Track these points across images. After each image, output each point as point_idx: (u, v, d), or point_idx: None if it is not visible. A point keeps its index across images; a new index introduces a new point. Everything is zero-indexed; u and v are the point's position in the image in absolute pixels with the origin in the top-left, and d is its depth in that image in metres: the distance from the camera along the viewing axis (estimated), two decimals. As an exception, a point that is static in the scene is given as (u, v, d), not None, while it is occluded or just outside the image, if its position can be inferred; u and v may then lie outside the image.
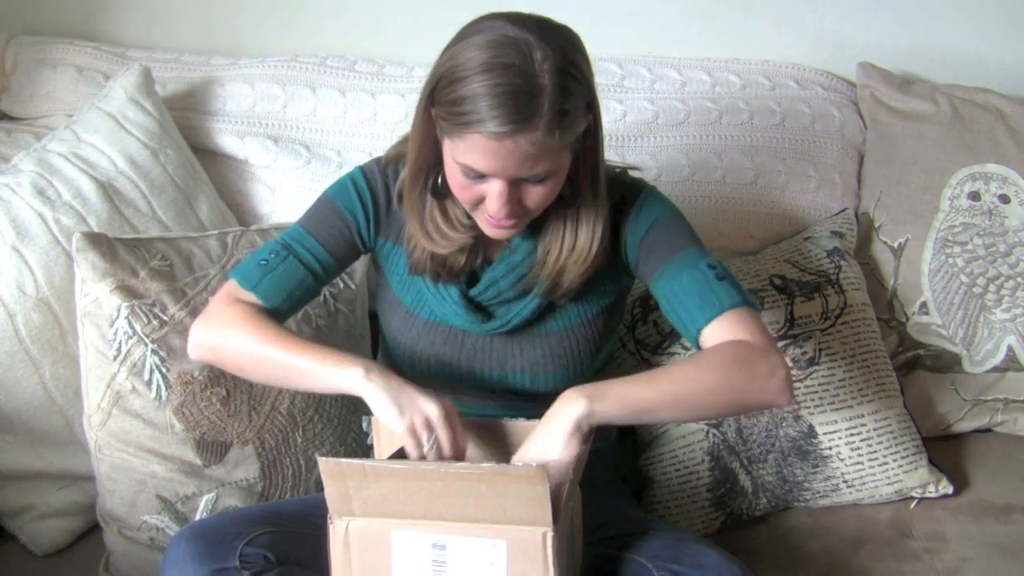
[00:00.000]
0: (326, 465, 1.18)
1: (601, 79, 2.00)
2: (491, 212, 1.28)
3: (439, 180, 1.34)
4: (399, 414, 1.26)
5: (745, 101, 2.02)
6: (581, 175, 1.34)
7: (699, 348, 1.36)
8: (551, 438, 1.25)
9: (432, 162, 1.33)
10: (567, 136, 1.24)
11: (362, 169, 1.46)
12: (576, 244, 1.37)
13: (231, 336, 1.37)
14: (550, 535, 1.17)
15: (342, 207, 1.44)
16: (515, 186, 1.26)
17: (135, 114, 1.84)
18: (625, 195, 1.43)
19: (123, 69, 1.92)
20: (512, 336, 1.45)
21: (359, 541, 1.21)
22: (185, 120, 1.95)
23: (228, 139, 1.96)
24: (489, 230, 1.33)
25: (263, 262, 1.41)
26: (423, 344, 1.46)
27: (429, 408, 1.27)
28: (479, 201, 1.29)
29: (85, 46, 2.05)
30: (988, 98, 2.03)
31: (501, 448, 1.36)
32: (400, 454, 1.30)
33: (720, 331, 1.33)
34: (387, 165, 1.44)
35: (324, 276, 1.45)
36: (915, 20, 2.11)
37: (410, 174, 1.36)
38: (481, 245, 1.41)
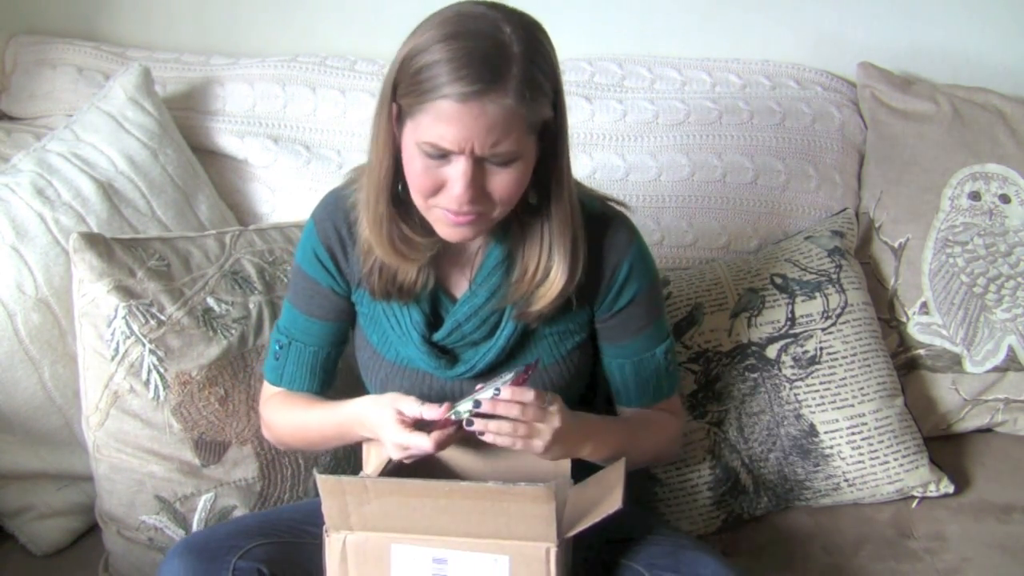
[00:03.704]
0: (325, 482, 1.17)
1: (601, 79, 2.03)
2: (454, 195, 1.20)
3: (400, 187, 1.28)
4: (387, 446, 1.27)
5: (745, 101, 2.02)
6: (548, 179, 1.27)
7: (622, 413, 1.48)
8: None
9: (394, 167, 1.27)
10: (537, 108, 1.19)
11: (315, 220, 1.40)
12: (552, 264, 1.30)
13: (277, 422, 1.48)
14: (554, 550, 1.17)
15: (313, 276, 1.41)
16: (479, 167, 1.19)
17: (135, 114, 1.84)
18: (610, 237, 1.37)
19: (123, 69, 1.92)
20: (480, 379, 1.37)
21: (357, 555, 1.20)
22: (185, 120, 1.95)
23: (228, 139, 1.96)
24: (446, 230, 1.26)
25: (276, 357, 1.46)
26: (391, 386, 1.40)
27: (387, 429, 1.26)
28: (438, 188, 1.21)
29: (85, 46, 2.05)
30: (988, 98, 2.03)
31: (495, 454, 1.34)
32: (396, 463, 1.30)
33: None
34: (342, 199, 1.38)
35: (338, 338, 1.45)
36: (915, 20, 2.11)
37: (371, 183, 1.28)
38: (436, 269, 1.35)
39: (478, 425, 1.20)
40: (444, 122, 1.16)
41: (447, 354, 1.38)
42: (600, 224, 1.37)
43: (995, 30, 2.11)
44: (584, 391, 1.48)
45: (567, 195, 1.29)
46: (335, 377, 1.49)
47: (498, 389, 1.21)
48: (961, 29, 2.11)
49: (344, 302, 1.43)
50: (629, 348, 1.42)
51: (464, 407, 1.21)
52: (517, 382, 1.23)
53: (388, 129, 1.25)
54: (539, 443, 1.23)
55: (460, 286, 1.38)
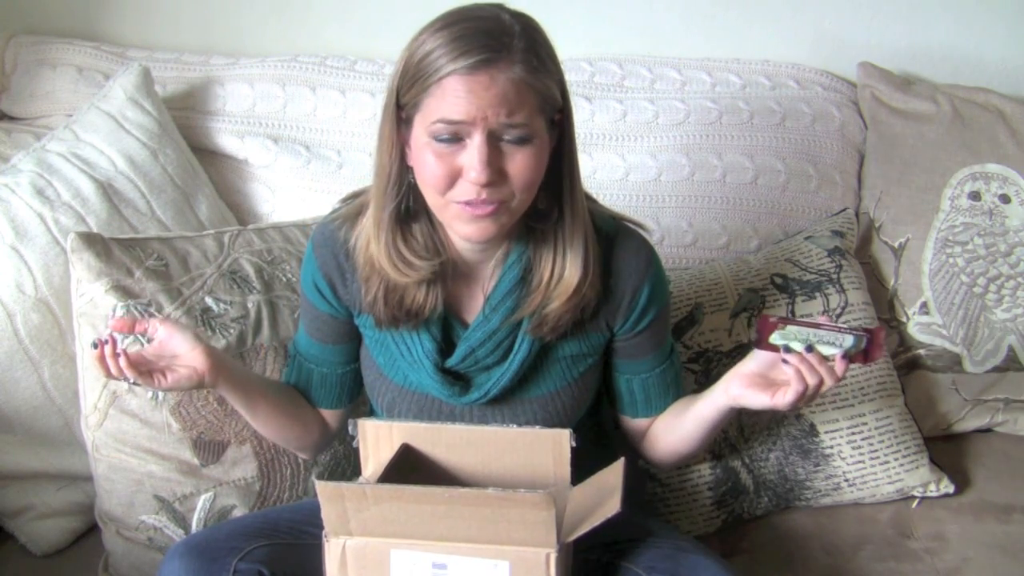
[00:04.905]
0: (324, 488, 1.17)
1: (601, 79, 2.03)
2: (471, 177, 1.17)
3: (404, 204, 1.27)
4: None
5: (745, 101, 2.02)
6: (559, 180, 1.27)
7: (632, 422, 1.47)
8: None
9: (399, 178, 1.26)
10: (546, 82, 1.19)
11: (313, 245, 1.38)
12: (566, 264, 1.29)
13: None
14: (554, 555, 1.17)
15: (313, 301, 1.40)
16: (495, 147, 1.18)
17: (134, 114, 1.84)
18: (627, 257, 1.35)
19: (123, 69, 1.93)
20: (493, 405, 1.37)
21: (356, 560, 1.20)
22: (185, 120, 1.95)
23: (228, 139, 1.96)
24: (466, 228, 1.22)
25: (286, 363, 1.51)
26: (399, 409, 1.40)
27: None
28: (454, 179, 1.19)
29: (85, 46, 2.05)
30: (988, 98, 2.03)
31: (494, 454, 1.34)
32: (399, 459, 1.30)
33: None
34: (340, 228, 1.35)
35: (346, 358, 1.44)
36: (915, 20, 2.11)
37: (376, 194, 1.28)
38: (444, 292, 1.32)
39: (794, 363, 1.25)
40: (453, 97, 1.16)
41: (460, 380, 1.36)
42: (616, 242, 1.35)
43: (995, 30, 2.11)
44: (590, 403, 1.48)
45: (578, 196, 1.29)
46: (350, 393, 1.48)
47: (844, 355, 1.25)
48: (961, 29, 2.11)
49: (347, 325, 1.41)
50: (645, 363, 1.42)
51: (798, 343, 1.26)
52: (856, 359, 1.27)
53: (392, 136, 1.24)
54: (801, 404, 1.27)
55: (471, 309, 1.36)
